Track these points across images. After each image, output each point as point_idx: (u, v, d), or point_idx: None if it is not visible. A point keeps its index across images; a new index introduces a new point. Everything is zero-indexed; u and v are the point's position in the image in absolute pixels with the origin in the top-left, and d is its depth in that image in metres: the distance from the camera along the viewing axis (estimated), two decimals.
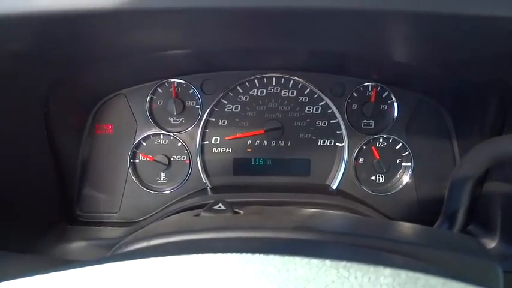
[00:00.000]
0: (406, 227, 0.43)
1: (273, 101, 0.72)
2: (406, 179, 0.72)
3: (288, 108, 0.72)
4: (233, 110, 0.72)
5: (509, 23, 0.41)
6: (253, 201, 0.64)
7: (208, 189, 0.71)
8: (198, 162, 0.71)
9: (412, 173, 0.72)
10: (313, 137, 0.73)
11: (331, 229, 0.40)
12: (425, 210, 0.71)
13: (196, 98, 0.71)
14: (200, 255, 0.26)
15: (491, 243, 0.65)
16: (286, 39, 0.60)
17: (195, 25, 0.51)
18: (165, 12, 0.44)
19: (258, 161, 0.73)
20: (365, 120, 0.72)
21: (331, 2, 0.44)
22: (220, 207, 0.45)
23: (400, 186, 0.72)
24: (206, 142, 0.72)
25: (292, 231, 0.36)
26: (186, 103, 0.71)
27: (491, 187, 0.66)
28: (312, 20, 0.50)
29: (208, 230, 0.36)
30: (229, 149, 0.72)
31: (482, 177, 0.66)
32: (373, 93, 0.71)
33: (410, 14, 0.44)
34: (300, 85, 0.72)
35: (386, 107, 0.72)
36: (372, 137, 0.72)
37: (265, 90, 0.72)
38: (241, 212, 0.44)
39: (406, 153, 0.72)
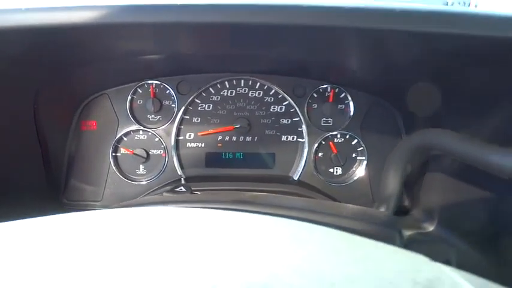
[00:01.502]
0: (338, 204, 0.51)
1: (241, 100, 0.80)
2: (360, 171, 0.81)
3: (255, 107, 0.80)
4: (205, 108, 0.80)
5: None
6: (221, 190, 0.73)
7: (182, 179, 0.79)
8: (174, 156, 0.79)
9: (366, 165, 0.80)
10: (278, 133, 0.81)
11: (271, 199, 0.48)
12: (377, 199, 0.80)
13: (172, 97, 0.79)
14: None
15: (430, 227, 0.73)
16: (247, 49, 0.69)
17: (164, 35, 0.60)
18: (125, 25, 0.52)
19: (228, 154, 0.81)
20: (324, 118, 0.80)
21: (277, 18, 0.52)
22: (181, 189, 0.52)
23: (355, 178, 0.81)
24: (181, 137, 0.80)
25: (233, 200, 0.43)
26: (163, 102, 0.79)
27: (431, 176, 0.74)
28: (266, 34, 0.58)
29: (164, 200, 0.44)
30: (201, 143, 0.80)
31: (424, 166, 0.75)
32: (331, 94, 0.79)
33: (351, 29, 0.52)
34: (265, 87, 0.80)
35: (343, 107, 0.80)
36: (330, 133, 0.80)
37: (234, 91, 0.80)
38: (199, 193, 0.52)
39: (361, 148, 0.80)
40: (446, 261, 0.54)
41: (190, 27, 0.55)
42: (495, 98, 0.52)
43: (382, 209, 0.62)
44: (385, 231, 0.43)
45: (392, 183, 0.61)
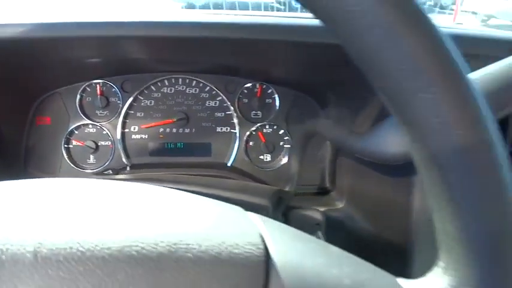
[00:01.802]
0: (232, 181, 0.62)
1: (180, 97, 0.90)
2: (286, 157, 0.92)
3: (192, 102, 0.91)
4: (148, 104, 0.90)
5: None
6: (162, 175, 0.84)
7: (128, 167, 0.89)
8: (120, 147, 0.89)
9: (292, 153, 0.92)
10: (213, 125, 0.91)
11: (181, 178, 0.59)
12: (302, 183, 0.91)
13: (118, 95, 0.89)
14: None
15: (341, 204, 0.85)
16: (179, 55, 0.80)
17: (106, 45, 0.71)
18: (73, 38, 0.63)
19: (169, 144, 0.91)
20: (253, 112, 0.91)
21: (200, 31, 0.63)
22: (109, 172, 0.63)
23: (282, 163, 0.92)
24: (126, 130, 0.90)
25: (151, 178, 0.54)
26: (110, 99, 0.89)
27: (341, 160, 0.86)
28: (188, 44, 0.70)
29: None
30: (145, 135, 0.91)
31: (337, 152, 0.87)
32: (259, 90, 0.90)
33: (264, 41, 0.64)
34: (201, 84, 0.90)
35: (270, 101, 0.91)
36: (259, 125, 0.91)
37: (173, 88, 0.90)
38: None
39: (287, 137, 0.92)
40: (317, 225, 0.65)
41: (129, 39, 0.67)
42: (363, 93, 0.64)
43: (287, 188, 0.74)
44: (259, 201, 0.55)
45: (293, 164, 0.72)
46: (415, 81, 0.25)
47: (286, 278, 0.32)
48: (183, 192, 0.34)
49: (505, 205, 0.26)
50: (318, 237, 0.61)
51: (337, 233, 0.81)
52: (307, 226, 0.64)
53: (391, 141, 0.52)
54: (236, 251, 0.29)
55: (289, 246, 0.36)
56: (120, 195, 0.31)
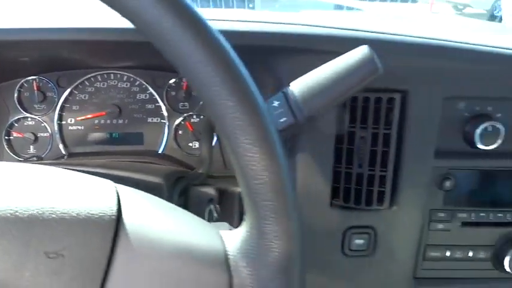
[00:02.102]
0: (139, 164, 0.71)
1: (112, 90, 0.99)
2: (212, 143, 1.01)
3: (124, 96, 0.99)
4: (82, 98, 0.98)
5: None
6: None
7: (66, 156, 0.98)
8: (57, 137, 0.97)
9: (217, 139, 1.01)
10: (144, 116, 1.00)
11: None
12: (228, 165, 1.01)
13: (54, 90, 0.96)
14: None
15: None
16: (104, 53, 0.88)
17: (40, 47, 0.79)
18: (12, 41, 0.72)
19: (105, 134, 1.00)
20: (181, 103, 1.00)
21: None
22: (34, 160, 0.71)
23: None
24: (63, 122, 0.98)
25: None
26: (46, 94, 0.96)
27: None
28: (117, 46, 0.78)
29: None
30: (81, 126, 0.99)
31: None
32: (184, 84, 0.99)
33: None
34: (131, 79, 0.98)
35: (195, 93, 1.01)
36: (186, 115, 1.00)
37: (106, 83, 0.98)
38: None
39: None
40: (211, 199, 0.75)
41: (60, 42, 0.75)
42: None
43: (201, 170, 0.83)
44: (153, 179, 0.64)
45: (203, 149, 0.82)
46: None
47: (132, 234, 0.43)
48: (66, 170, 0.44)
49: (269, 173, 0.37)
50: (210, 210, 0.71)
51: (230, 206, 0.91)
52: (203, 201, 0.73)
53: None
54: (92, 212, 0.39)
55: (140, 210, 0.46)
56: (11, 174, 0.40)
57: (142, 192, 0.49)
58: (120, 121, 1.00)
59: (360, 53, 0.56)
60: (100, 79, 0.98)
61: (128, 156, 0.97)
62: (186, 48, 0.35)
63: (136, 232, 0.42)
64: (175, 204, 0.75)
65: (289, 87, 0.63)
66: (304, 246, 0.43)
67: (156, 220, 0.45)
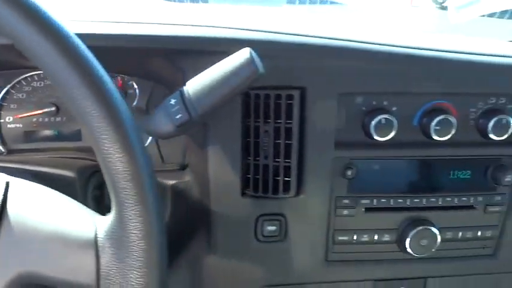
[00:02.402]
0: None
1: (49, 90, 1.03)
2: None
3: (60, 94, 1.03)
4: (20, 97, 1.02)
5: None
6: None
7: (5, 153, 1.02)
8: None
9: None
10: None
11: None
12: (169, 161, 1.06)
13: None
14: None
15: (188, 178, 1.00)
16: None
17: None
18: None
19: (43, 131, 1.04)
20: None
21: None
22: None
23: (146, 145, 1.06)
24: (2, 120, 1.02)
25: None
26: None
27: (187, 138, 1.01)
28: None
29: None
30: (20, 124, 1.03)
31: None
32: (120, 82, 1.04)
33: None
34: None
35: (132, 91, 1.05)
36: None
37: (43, 82, 1.02)
38: None
39: None
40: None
41: None
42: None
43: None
44: (65, 173, 0.70)
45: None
46: None
47: (14, 222, 0.49)
48: None
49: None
50: None
51: (181, 201, 0.97)
52: None
53: (162, 122, 0.67)
54: None
55: (25, 200, 0.52)
56: None
57: (34, 183, 0.55)
58: (58, 119, 1.04)
59: (241, 55, 0.61)
60: (37, 78, 1.02)
61: (67, 152, 1.02)
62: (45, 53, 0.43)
63: (17, 221, 0.48)
64: (90, 197, 0.80)
65: (185, 86, 0.68)
66: (163, 227, 0.49)
67: (38, 209, 0.51)
